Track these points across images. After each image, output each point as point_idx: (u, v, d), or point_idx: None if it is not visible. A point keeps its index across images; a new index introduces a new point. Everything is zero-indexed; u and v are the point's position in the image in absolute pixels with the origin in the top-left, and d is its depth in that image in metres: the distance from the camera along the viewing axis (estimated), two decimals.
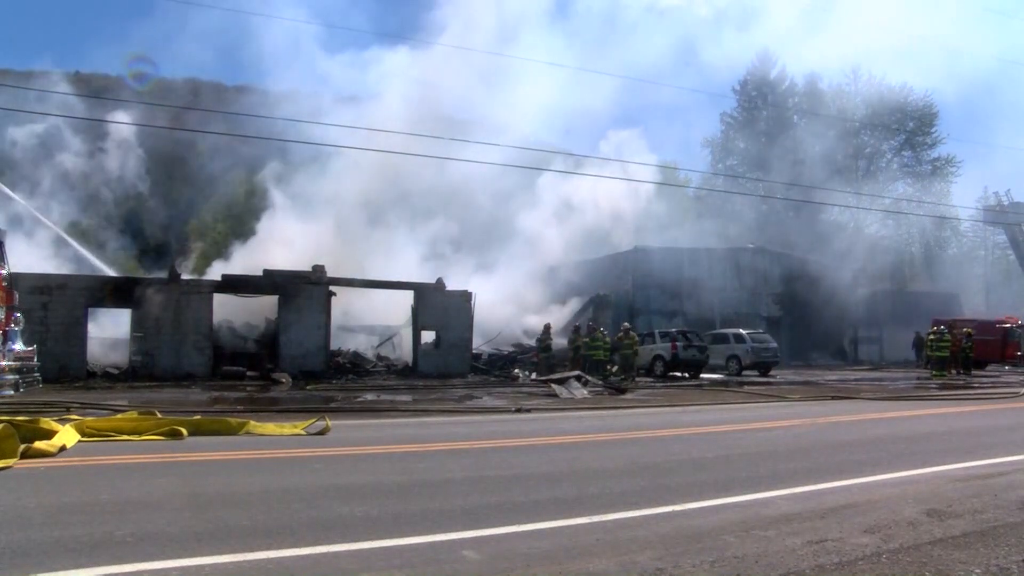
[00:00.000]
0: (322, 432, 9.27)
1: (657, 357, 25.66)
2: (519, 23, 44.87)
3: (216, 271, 25.36)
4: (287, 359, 21.84)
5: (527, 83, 40.02)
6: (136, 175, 37.29)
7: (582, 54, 43.65)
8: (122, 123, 25.10)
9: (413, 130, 22.04)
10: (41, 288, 19.86)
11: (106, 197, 36.05)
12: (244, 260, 27.25)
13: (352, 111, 31.76)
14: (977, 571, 4.12)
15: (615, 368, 24.19)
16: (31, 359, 16.15)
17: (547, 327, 24.70)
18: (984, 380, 24.71)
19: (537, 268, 33.38)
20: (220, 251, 34.46)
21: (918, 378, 26.08)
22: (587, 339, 23.74)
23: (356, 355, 25.52)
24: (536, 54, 39.45)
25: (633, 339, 23.90)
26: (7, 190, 23.68)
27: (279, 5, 56.47)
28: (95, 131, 31.27)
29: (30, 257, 23.98)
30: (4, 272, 15.40)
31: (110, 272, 26.37)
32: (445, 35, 40.04)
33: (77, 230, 30.70)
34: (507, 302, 30.22)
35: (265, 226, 31.50)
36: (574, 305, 33.40)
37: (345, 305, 25.71)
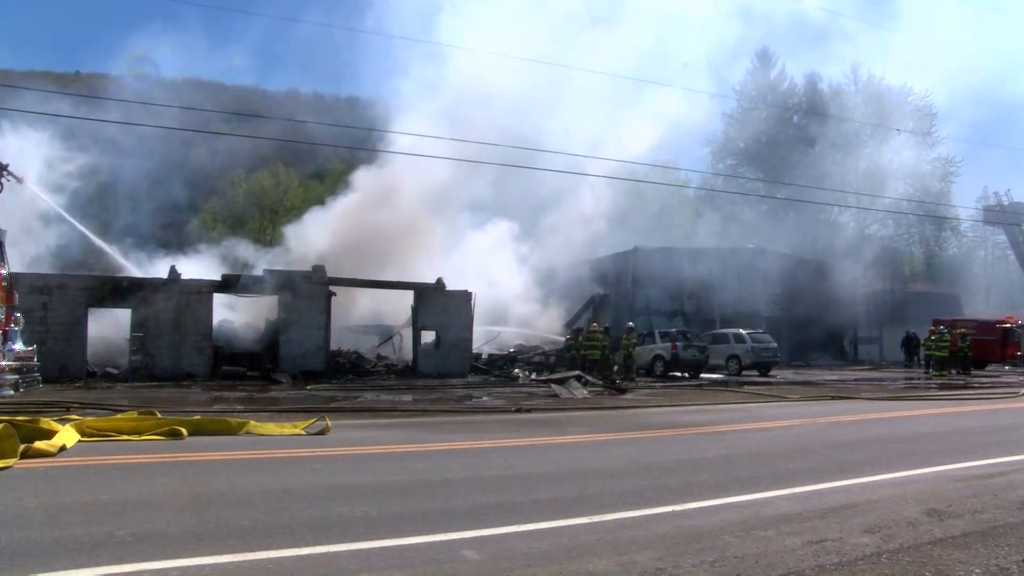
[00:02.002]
0: (322, 432, 9.27)
1: (657, 357, 25.64)
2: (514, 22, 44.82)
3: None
4: (287, 359, 21.83)
5: (526, 81, 39.98)
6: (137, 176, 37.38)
7: (582, 53, 43.43)
8: (122, 123, 25.06)
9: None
10: (41, 288, 19.86)
11: (107, 196, 36.12)
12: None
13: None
14: (977, 571, 4.12)
15: (616, 368, 24.18)
16: (31, 359, 16.14)
17: (577, 331, 24.84)
18: (984, 380, 24.70)
19: (537, 268, 33.39)
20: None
21: (917, 378, 26.09)
22: (586, 339, 23.72)
23: (356, 355, 25.52)
24: (534, 54, 39.45)
25: (631, 340, 23.92)
26: (36, 189, 23.70)
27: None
28: (93, 132, 31.24)
29: (46, 255, 24.16)
30: (4, 272, 15.40)
31: (134, 270, 26.32)
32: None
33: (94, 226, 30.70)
34: (507, 301, 30.27)
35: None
36: (575, 305, 33.43)
37: (346, 305, 25.73)
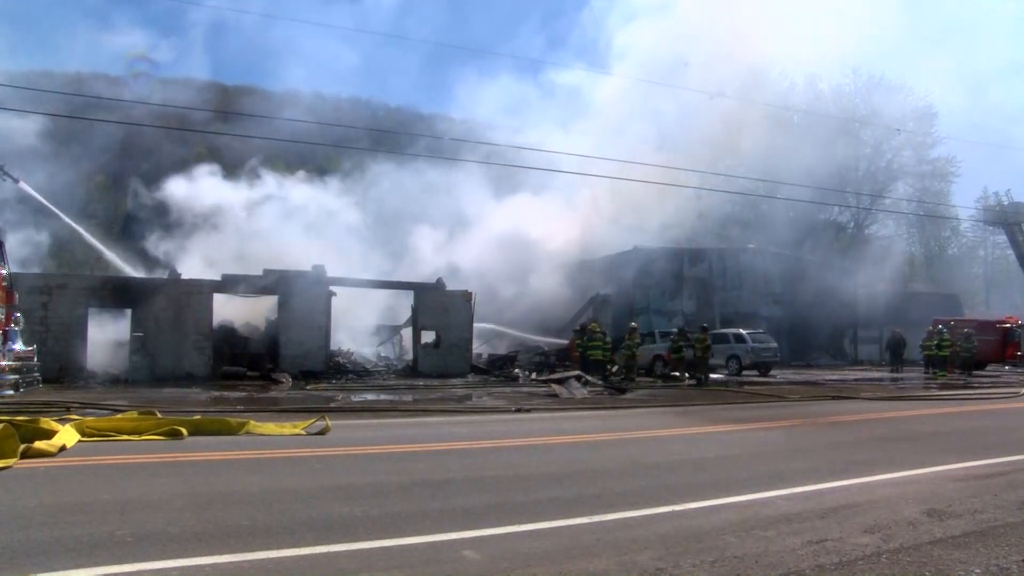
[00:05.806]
0: (322, 432, 9.27)
1: (657, 357, 25.63)
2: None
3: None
4: (287, 359, 21.84)
5: (525, 80, 40.09)
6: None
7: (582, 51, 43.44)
8: (124, 123, 25.09)
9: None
10: (41, 288, 19.86)
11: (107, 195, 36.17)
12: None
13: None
14: (977, 571, 4.12)
15: (615, 368, 24.15)
16: (31, 359, 16.14)
17: (634, 329, 24.02)
18: (984, 380, 24.70)
19: (537, 267, 33.40)
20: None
21: (915, 378, 26.07)
22: (586, 339, 23.60)
23: (356, 355, 25.53)
24: (532, 53, 39.51)
25: (634, 340, 23.83)
26: (35, 193, 23.73)
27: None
28: (92, 132, 31.25)
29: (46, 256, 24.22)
30: (4, 272, 15.40)
31: (132, 272, 26.33)
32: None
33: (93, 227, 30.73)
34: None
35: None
36: (578, 305, 33.41)
37: (346, 304, 25.75)
